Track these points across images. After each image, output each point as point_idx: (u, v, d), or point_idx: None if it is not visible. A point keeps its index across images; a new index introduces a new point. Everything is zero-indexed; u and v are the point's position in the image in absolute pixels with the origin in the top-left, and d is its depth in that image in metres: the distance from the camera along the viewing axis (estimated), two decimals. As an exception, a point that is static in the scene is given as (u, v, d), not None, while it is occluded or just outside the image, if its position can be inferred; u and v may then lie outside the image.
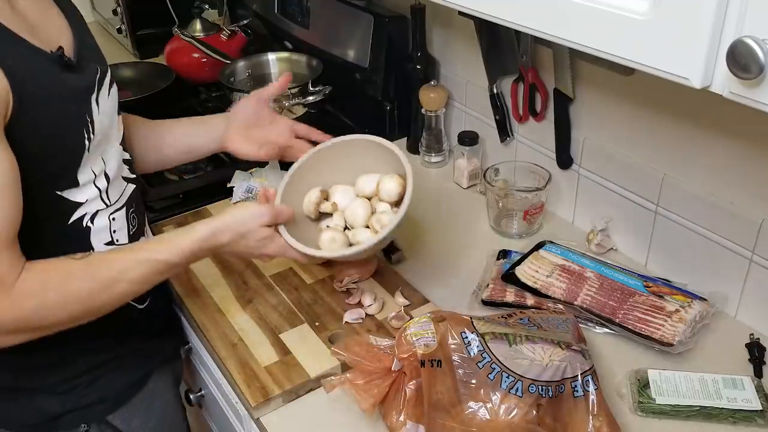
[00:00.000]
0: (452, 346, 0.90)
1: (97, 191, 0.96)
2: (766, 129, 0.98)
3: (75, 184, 0.93)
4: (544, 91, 1.33)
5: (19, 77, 0.81)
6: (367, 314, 1.13)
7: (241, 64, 1.81)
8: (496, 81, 1.42)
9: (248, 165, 1.49)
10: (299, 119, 1.69)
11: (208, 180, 1.51)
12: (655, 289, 1.10)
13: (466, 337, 0.91)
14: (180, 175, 1.51)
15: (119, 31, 2.22)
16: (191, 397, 1.34)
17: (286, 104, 1.64)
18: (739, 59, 0.55)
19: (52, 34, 0.92)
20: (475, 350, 0.90)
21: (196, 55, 1.92)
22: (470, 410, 0.88)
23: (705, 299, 1.09)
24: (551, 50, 1.27)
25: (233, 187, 1.44)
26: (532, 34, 0.76)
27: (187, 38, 1.91)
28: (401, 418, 0.90)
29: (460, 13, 0.95)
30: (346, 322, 1.12)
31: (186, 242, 0.96)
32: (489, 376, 0.88)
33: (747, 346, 1.05)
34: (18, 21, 0.86)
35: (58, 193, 0.92)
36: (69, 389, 1.02)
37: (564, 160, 1.32)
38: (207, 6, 2.08)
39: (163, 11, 2.04)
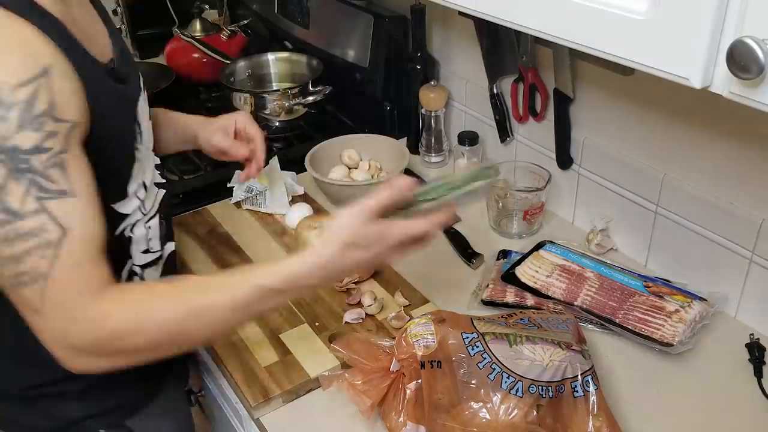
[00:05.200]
0: (452, 346, 0.90)
1: (138, 202, 0.95)
2: (766, 129, 0.98)
3: (124, 195, 0.92)
4: (544, 91, 1.33)
5: (92, 90, 0.80)
6: (367, 314, 1.13)
7: (241, 64, 1.81)
8: (496, 81, 1.42)
9: (248, 165, 1.49)
10: (299, 119, 1.70)
11: (208, 180, 1.51)
12: (655, 289, 1.10)
13: (466, 338, 0.91)
14: (180, 175, 1.51)
15: (118, 31, 2.21)
16: (191, 397, 1.33)
17: (287, 104, 1.64)
18: (739, 59, 0.55)
19: (100, 42, 0.91)
20: (475, 350, 0.90)
21: (196, 55, 1.92)
22: (470, 410, 0.88)
23: (705, 299, 1.09)
24: (551, 50, 1.27)
25: (233, 187, 1.44)
26: (532, 34, 0.76)
27: (187, 38, 1.91)
28: (401, 419, 0.89)
29: (460, 13, 0.95)
30: (346, 322, 1.12)
31: (292, 265, 0.84)
32: (489, 376, 0.88)
33: (747, 346, 1.05)
34: (78, 30, 0.84)
35: (112, 206, 0.90)
36: (90, 395, 1.01)
37: (564, 160, 1.32)
38: (207, 6, 2.08)
39: (163, 11, 2.04)
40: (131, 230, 0.95)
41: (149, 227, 0.99)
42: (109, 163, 0.86)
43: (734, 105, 0.60)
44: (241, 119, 1.20)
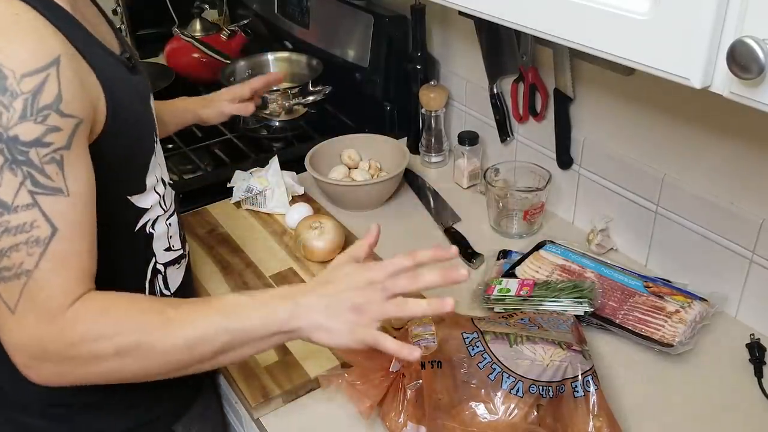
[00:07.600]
0: (452, 346, 0.90)
1: (157, 197, 0.94)
2: (766, 129, 0.98)
3: (143, 188, 0.90)
4: (544, 91, 1.33)
5: (109, 82, 0.79)
6: (367, 314, 1.13)
7: (241, 64, 1.81)
8: (496, 81, 1.42)
9: (248, 165, 1.49)
10: (299, 119, 1.70)
11: (208, 180, 1.51)
12: (655, 290, 1.10)
13: (467, 338, 0.91)
14: (180, 175, 1.51)
15: (119, 31, 2.21)
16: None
17: (287, 104, 1.64)
18: (739, 59, 0.55)
19: (107, 39, 0.89)
20: (476, 350, 0.90)
21: (196, 55, 1.92)
22: (471, 410, 0.88)
23: (705, 299, 1.09)
24: (551, 50, 1.27)
25: (233, 187, 1.44)
26: (532, 34, 0.76)
27: (187, 38, 1.91)
28: (401, 420, 0.89)
29: (460, 13, 0.95)
30: (346, 322, 1.11)
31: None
32: (489, 376, 0.88)
33: (747, 346, 1.05)
34: (87, 22, 0.83)
35: (128, 197, 0.89)
36: (136, 404, 0.98)
37: (564, 160, 1.32)
38: (207, 6, 2.08)
39: (163, 11, 2.04)
40: (152, 226, 0.94)
41: (170, 224, 0.98)
42: (128, 152, 0.85)
43: (734, 105, 0.60)
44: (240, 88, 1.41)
